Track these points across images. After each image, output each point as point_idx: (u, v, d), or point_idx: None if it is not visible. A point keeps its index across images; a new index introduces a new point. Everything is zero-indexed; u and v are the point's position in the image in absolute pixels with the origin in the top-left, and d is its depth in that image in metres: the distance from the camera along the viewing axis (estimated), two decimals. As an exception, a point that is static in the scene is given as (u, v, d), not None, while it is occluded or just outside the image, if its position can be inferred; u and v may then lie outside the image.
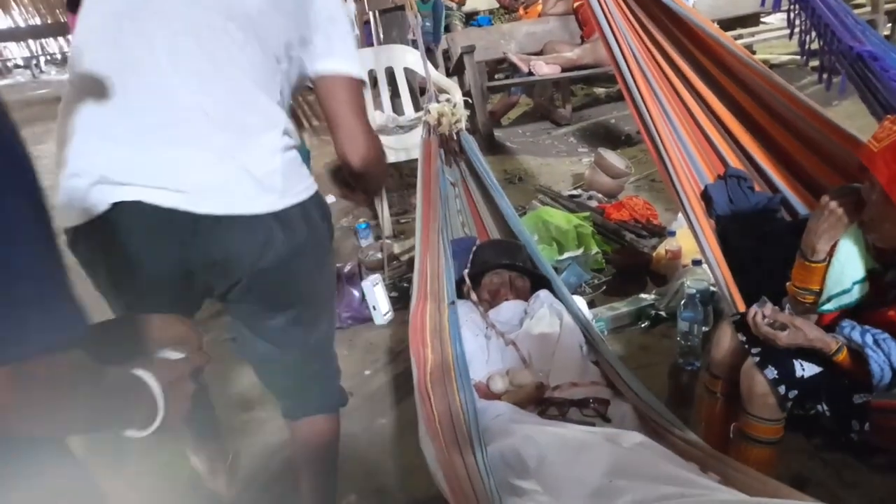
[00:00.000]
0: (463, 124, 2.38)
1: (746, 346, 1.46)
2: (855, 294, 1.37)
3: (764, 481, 1.24)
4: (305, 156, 3.88)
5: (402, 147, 3.53)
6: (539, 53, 5.01)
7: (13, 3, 13.11)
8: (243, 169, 1.09)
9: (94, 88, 1.05)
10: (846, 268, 1.37)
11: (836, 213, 1.36)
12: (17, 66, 12.07)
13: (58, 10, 12.54)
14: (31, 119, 6.22)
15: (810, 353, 1.37)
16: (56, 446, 0.67)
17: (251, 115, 1.11)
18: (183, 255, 1.12)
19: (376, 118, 3.64)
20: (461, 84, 4.74)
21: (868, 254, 1.37)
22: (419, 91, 4.18)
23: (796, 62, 5.36)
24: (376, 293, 2.72)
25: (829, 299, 1.40)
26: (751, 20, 5.69)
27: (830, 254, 1.39)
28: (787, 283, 1.49)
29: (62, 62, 11.70)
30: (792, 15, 2.26)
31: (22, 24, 13.37)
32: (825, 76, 2.17)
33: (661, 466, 1.23)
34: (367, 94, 3.80)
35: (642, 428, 1.53)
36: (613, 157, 3.71)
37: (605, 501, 1.16)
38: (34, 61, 11.64)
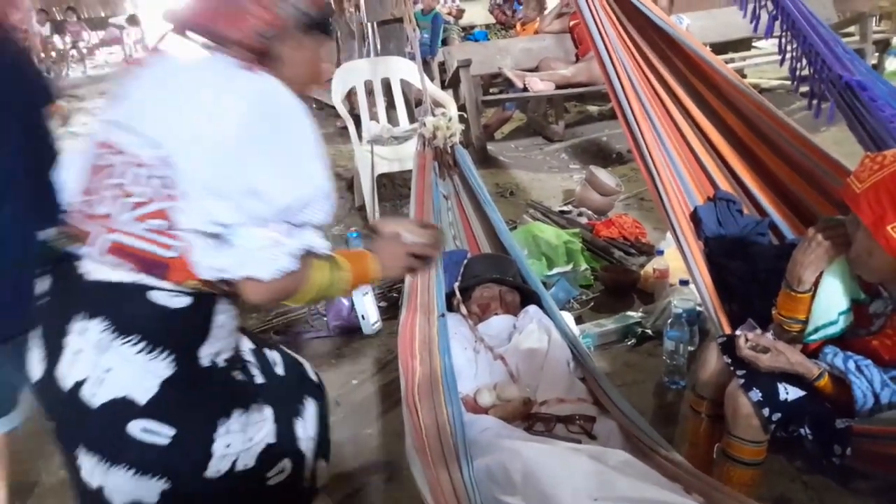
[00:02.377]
0: (458, 138, 2.40)
1: (732, 368, 1.47)
2: (840, 324, 1.40)
3: (746, 503, 1.25)
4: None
5: (395, 158, 3.54)
6: (534, 70, 5.06)
7: (8, 0, 13.02)
8: None
9: None
10: (832, 299, 1.39)
11: (823, 246, 1.38)
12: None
13: (55, 9, 12.55)
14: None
15: (794, 378, 1.39)
16: None
17: None
18: None
19: (371, 128, 3.65)
20: (456, 97, 4.77)
21: (853, 284, 1.39)
22: (415, 103, 4.21)
23: (786, 87, 5.44)
24: (365, 303, 2.72)
25: (815, 330, 1.42)
26: (742, 45, 5.79)
27: (816, 283, 1.41)
28: (773, 311, 1.51)
29: (57, 59, 11.65)
30: (784, 41, 2.30)
31: (16, 21, 13.30)
32: (814, 103, 2.21)
33: (645, 486, 1.24)
34: (363, 104, 3.84)
35: (627, 446, 1.54)
36: (604, 175, 3.74)
37: (589, 519, 1.17)
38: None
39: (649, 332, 2.52)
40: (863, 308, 1.40)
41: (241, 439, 1.08)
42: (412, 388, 1.64)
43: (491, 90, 6.18)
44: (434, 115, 2.37)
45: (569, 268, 2.87)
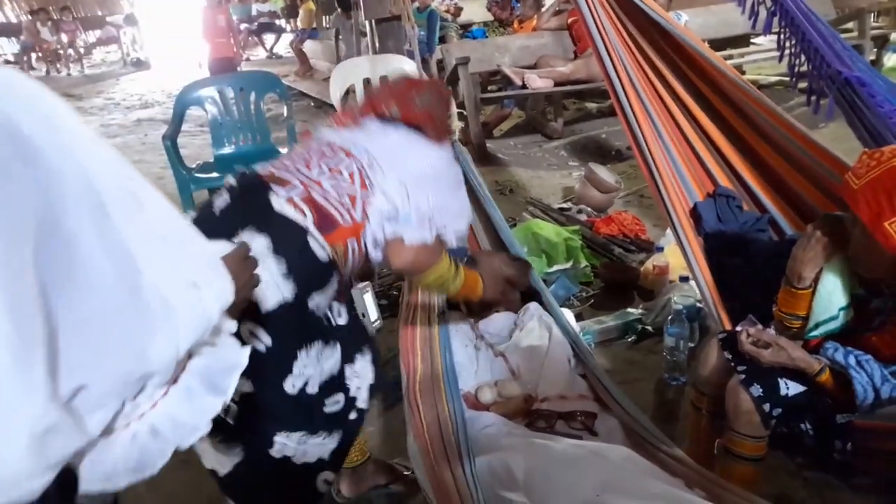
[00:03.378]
0: (456, 135, 2.40)
1: (732, 364, 1.48)
2: (841, 320, 1.40)
3: (748, 498, 1.25)
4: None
5: (394, 156, 3.54)
6: (533, 67, 5.05)
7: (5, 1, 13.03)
8: None
9: None
10: (833, 295, 1.40)
11: (822, 242, 1.38)
12: (7, 62, 11.99)
13: (50, 7, 12.51)
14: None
15: (795, 373, 1.39)
16: None
17: None
18: None
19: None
20: (455, 95, 4.76)
21: (853, 280, 1.40)
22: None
23: (785, 83, 5.44)
24: (366, 301, 2.72)
25: (816, 326, 1.42)
26: (741, 41, 5.79)
27: (816, 280, 1.41)
28: (774, 308, 1.51)
29: (54, 58, 11.61)
30: (782, 38, 2.30)
31: (13, 20, 13.28)
32: (813, 99, 2.21)
33: (647, 482, 1.24)
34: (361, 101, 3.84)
35: (629, 442, 1.55)
36: (604, 172, 3.74)
37: (591, 515, 1.17)
38: (24, 57, 11.55)
39: (649, 328, 2.52)
40: (863, 304, 1.41)
41: (315, 365, 1.28)
42: (414, 385, 1.65)
43: (489, 87, 6.17)
44: (433, 112, 2.37)
45: (569, 265, 2.88)
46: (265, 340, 1.21)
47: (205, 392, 0.56)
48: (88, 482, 0.51)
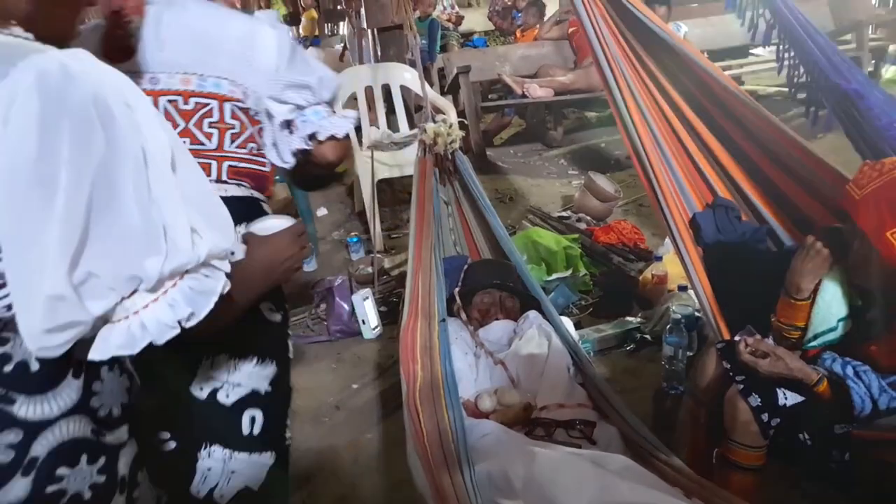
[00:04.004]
0: (458, 144, 2.41)
1: (731, 374, 1.48)
2: (839, 331, 1.41)
3: (746, 508, 1.26)
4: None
5: (395, 163, 3.56)
6: (533, 76, 5.08)
7: None
8: None
9: None
10: (831, 306, 1.40)
11: (822, 254, 1.39)
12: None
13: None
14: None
15: (793, 383, 1.40)
16: None
17: None
18: None
19: (372, 134, 3.67)
20: (455, 103, 4.79)
21: (851, 291, 1.41)
22: (414, 108, 4.22)
23: (783, 94, 5.47)
24: (366, 307, 2.73)
25: (814, 336, 1.43)
26: (740, 52, 5.82)
27: (815, 291, 1.42)
28: (772, 318, 1.52)
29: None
30: (781, 49, 2.32)
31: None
32: (811, 110, 2.23)
33: (646, 491, 1.25)
34: (363, 110, 3.86)
35: (628, 451, 1.55)
36: (603, 181, 3.76)
37: (590, 524, 1.17)
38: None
39: (648, 337, 2.53)
40: (861, 315, 1.41)
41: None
42: (413, 392, 1.65)
43: (490, 96, 6.20)
44: (434, 121, 2.38)
45: (568, 273, 2.89)
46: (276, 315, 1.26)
47: (185, 305, 0.75)
48: (94, 352, 0.73)
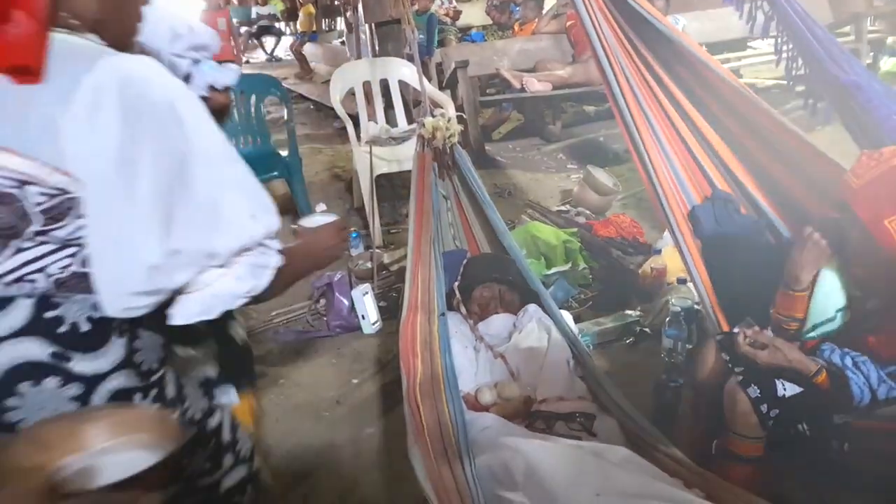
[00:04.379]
0: (456, 139, 2.41)
1: (730, 365, 1.49)
2: (838, 322, 1.42)
3: (746, 499, 1.26)
4: (298, 164, 3.86)
5: (394, 158, 3.55)
6: (531, 70, 5.07)
7: None
8: None
9: None
10: (830, 297, 1.41)
11: (820, 245, 1.40)
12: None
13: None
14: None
15: (792, 374, 1.41)
16: None
17: None
18: None
19: (370, 129, 3.66)
20: (454, 97, 4.78)
21: (850, 282, 1.41)
22: (412, 103, 4.22)
23: (782, 86, 5.46)
24: (366, 302, 2.73)
25: (813, 327, 1.44)
26: (738, 45, 5.81)
27: (813, 282, 1.42)
28: (771, 310, 1.53)
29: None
30: (780, 41, 2.31)
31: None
32: (810, 102, 2.23)
33: (647, 482, 1.25)
34: (361, 105, 3.86)
35: (628, 443, 1.56)
36: (602, 175, 3.76)
37: (591, 515, 1.18)
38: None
39: (648, 330, 2.53)
40: (860, 305, 1.42)
41: None
42: (414, 386, 1.65)
43: (488, 91, 6.19)
44: (433, 115, 2.38)
45: (567, 267, 2.89)
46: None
47: (249, 277, 0.87)
48: (173, 317, 0.84)
